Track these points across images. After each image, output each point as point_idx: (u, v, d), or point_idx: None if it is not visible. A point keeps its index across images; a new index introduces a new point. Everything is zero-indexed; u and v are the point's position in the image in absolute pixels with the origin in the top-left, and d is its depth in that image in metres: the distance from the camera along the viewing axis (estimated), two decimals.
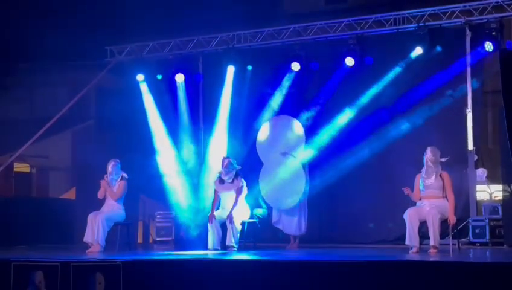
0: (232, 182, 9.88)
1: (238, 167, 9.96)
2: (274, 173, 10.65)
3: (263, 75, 11.68)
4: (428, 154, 8.79)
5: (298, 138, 10.71)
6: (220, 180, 9.97)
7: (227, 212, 9.75)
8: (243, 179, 9.93)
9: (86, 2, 12.61)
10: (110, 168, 10.15)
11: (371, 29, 11.07)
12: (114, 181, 10.12)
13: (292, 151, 10.64)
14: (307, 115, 11.01)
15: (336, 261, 7.27)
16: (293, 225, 10.55)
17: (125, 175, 10.18)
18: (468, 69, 10.60)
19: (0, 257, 8.11)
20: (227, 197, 9.94)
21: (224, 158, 10.05)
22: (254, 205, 10.59)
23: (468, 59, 10.57)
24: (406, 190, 8.75)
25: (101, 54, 12.67)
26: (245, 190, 9.97)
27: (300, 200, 10.49)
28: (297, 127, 10.77)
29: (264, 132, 11.04)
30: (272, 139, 10.92)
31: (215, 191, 10.04)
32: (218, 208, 10.02)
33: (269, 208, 10.84)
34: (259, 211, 10.73)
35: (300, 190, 10.43)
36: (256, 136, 11.18)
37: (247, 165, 10.81)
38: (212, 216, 9.77)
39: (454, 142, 10.52)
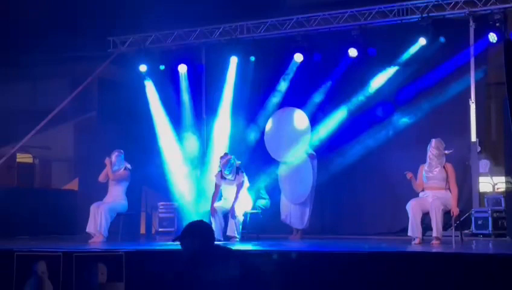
0: (234, 179, 9.88)
1: (238, 163, 9.93)
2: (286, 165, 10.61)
3: (266, 66, 11.65)
4: (432, 148, 8.76)
5: (303, 130, 10.69)
6: (222, 176, 9.95)
7: (230, 203, 9.75)
8: (244, 174, 9.91)
9: None
10: (113, 158, 10.18)
11: (374, 20, 11.03)
12: (116, 171, 10.13)
13: (298, 142, 10.61)
14: (310, 106, 10.99)
15: (337, 252, 7.28)
16: (298, 218, 10.52)
17: (128, 166, 10.20)
18: (472, 60, 10.56)
19: (3, 247, 8.13)
20: (229, 189, 9.94)
21: (222, 157, 9.99)
22: (256, 197, 10.59)
23: (472, 50, 10.54)
24: (409, 175, 8.74)
25: (103, 45, 12.64)
26: (246, 183, 9.96)
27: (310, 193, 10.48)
28: (301, 118, 10.73)
29: (268, 127, 10.99)
30: (277, 133, 10.89)
31: (216, 185, 10.02)
32: (220, 199, 10.03)
33: (271, 199, 10.83)
34: (262, 202, 10.72)
35: (309, 183, 10.39)
36: (258, 126, 11.20)
37: (249, 156, 10.81)
38: (213, 209, 9.77)
39: (458, 133, 10.50)
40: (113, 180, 10.08)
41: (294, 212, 10.54)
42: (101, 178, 10.19)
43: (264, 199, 10.80)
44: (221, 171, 9.97)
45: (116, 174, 10.09)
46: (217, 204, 9.90)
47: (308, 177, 10.35)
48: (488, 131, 11.22)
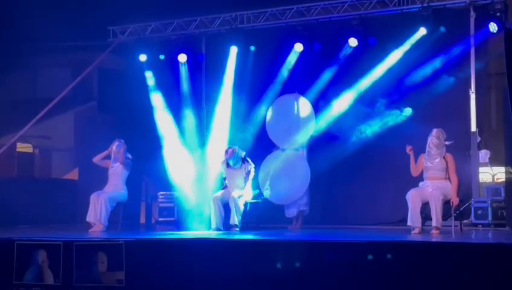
0: (240, 167, 9.90)
1: (243, 154, 9.95)
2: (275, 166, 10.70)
3: (266, 55, 11.62)
4: (432, 137, 8.76)
5: (305, 116, 10.71)
6: (228, 164, 9.97)
7: (232, 192, 9.77)
8: (250, 162, 9.94)
9: None
10: (114, 147, 10.19)
11: (374, 10, 11.00)
12: (117, 160, 10.15)
13: (299, 131, 10.64)
14: (309, 96, 10.99)
15: (337, 242, 7.29)
16: (303, 199, 10.57)
17: (129, 156, 10.23)
18: (472, 50, 10.55)
19: (3, 237, 8.15)
20: (234, 176, 9.96)
21: (226, 151, 9.99)
22: (257, 187, 10.61)
23: (472, 40, 10.51)
24: (408, 147, 8.74)
25: (103, 34, 12.62)
26: (252, 172, 9.99)
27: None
28: (302, 105, 10.76)
29: (269, 115, 11.05)
30: (277, 121, 10.93)
31: (223, 174, 10.04)
32: (221, 189, 10.06)
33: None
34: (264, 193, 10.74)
35: (302, 185, 10.48)
36: (258, 116, 11.23)
37: (250, 146, 10.81)
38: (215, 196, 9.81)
39: (458, 123, 10.49)
40: (121, 163, 10.07)
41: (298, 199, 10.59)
42: (96, 159, 10.21)
43: (266, 189, 10.82)
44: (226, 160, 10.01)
45: (118, 163, 10.09)
46: (217, 194, 9.91)
47: (304, 172, 10.46)
48: (488, 121, 11.22)
